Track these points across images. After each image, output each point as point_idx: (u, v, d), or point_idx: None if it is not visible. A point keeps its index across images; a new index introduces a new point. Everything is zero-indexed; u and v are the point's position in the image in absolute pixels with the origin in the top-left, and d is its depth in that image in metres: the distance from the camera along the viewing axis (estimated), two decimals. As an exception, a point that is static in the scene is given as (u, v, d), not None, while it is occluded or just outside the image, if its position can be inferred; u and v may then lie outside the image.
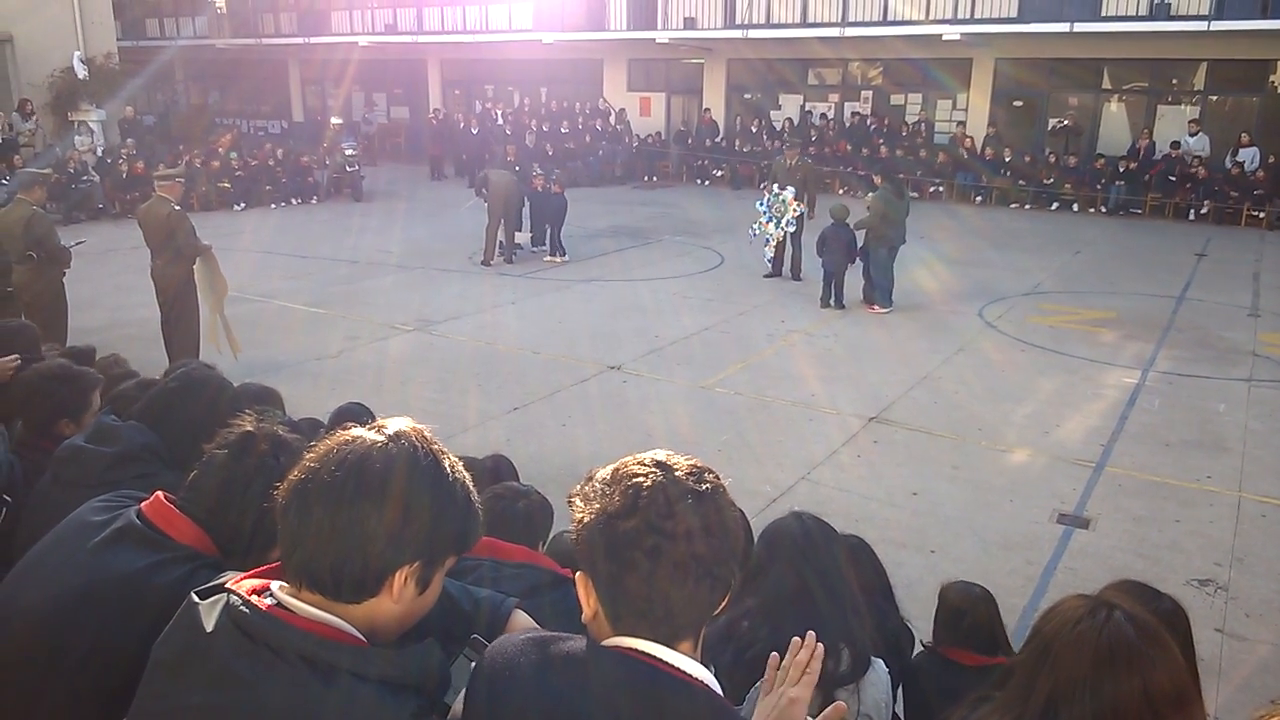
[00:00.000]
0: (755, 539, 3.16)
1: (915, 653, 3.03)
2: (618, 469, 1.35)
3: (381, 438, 1.36)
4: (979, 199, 19.40)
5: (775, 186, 12.23)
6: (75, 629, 1.60)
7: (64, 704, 1.60)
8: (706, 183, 22.19)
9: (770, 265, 12.46)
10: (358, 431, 1.38)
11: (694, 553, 1.27)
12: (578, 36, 23.38)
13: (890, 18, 19.68)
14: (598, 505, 1.32)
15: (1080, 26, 17.59)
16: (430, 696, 1.36)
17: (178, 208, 7.84)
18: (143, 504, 1.75)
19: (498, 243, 13.21)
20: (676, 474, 1.33)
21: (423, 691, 1.35)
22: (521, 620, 1.88)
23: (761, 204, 12.35)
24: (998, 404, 7.75)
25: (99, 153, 19.25)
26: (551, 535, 3.41)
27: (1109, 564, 5.24)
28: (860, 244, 10.85)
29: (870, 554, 3.11)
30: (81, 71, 20.38)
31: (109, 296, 10.46)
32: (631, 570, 1.27)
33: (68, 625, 1.61)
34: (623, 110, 24.31)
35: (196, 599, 1.38)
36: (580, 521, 1.34)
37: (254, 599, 1.33)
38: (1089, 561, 5.32)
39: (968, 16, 18.86)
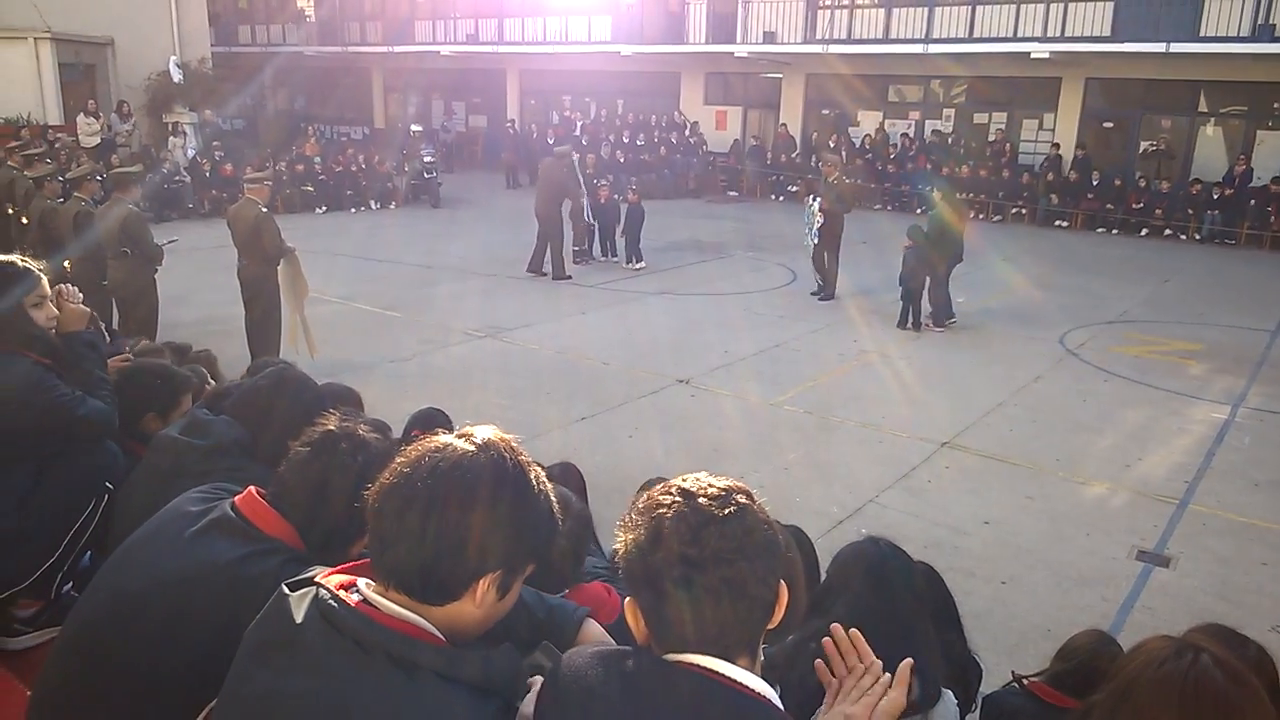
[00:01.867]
0: (819, 558, 3.10)
1: (1004, 685, 2.94)
2: (646, 499, 1.37)
3: (472, 447, 1.39)
4: (1063, 223, 18.90)
5: (810, 199, 12.30)
6: (171, 613, 1.65)
7: (155, 684, 1.64)
8: (781, 198, 22.07)
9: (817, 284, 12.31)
10: (448, 439, 1.41)
11: (724, 577, 1.28)
12: (656, 49, 23.49)
13: (977, 34, 19.34)
14: (630, 536, 1.35)
15: (1177, 47, 16.99)
16: (507, 700, 1.38)
17: (265, 210, 8.07)
18: (236, 497, 1.80)
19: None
20: (699, 501, 1.33)
21: (501, 694, 1.36)
22: (592, 629, 1.90)
23: (806, 217, 12.44)
24: (1077, 434, 7.52)
25: (190, 154, 19.94)
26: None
27: (1189, 606, 5.02)
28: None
29: (940, 582, 3.04)
30: (177, 75, 21.18)
31: (197, 294, 10.80)
32: (667, 599, 1.30)
33: (164, 609, 1.66)
34: (696, 124, 24.33)
35: (287, 590, 1.42)
36: (620, 551, 1.37)
37: (342, 594, 1.37)
38: (1168, 602, 5.11)
39: (1058, 35, 18.45)
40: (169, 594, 1.68)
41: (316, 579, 1.42)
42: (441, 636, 1.36)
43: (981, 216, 19.66)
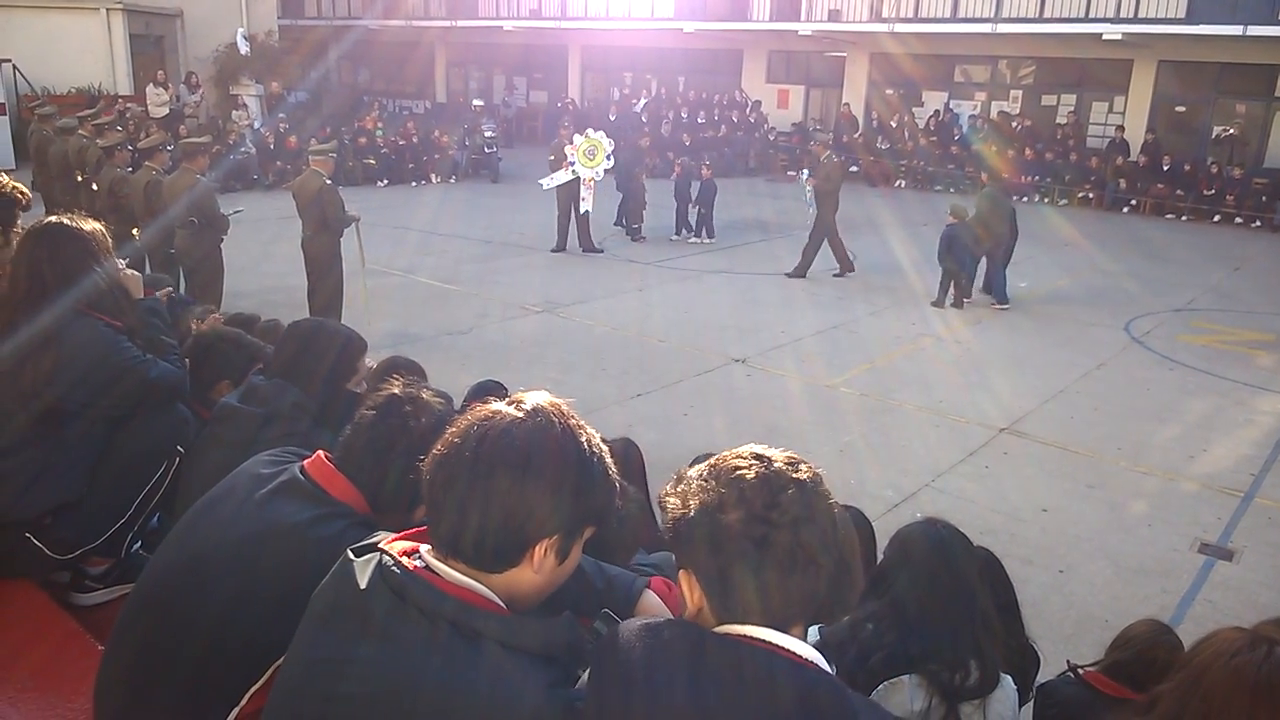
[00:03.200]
0: (876, 540, 3.07)
1: (1060, 673, 2.90)
2: (716, 463, 1.35)
3: (521, 413, 1.39)
4: (1131, 207, 18.37)
5: (803, 172, 12.26)
6: (239, 574, 1.68)
7: (223, 644, 1.68)
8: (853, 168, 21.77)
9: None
10: (497, 406, 1.41)
11: (799, 540, 1.27)
12: (719, 26, 23.27)
13: (1047, 14, 18.82)
14: (698, 500, 1.31)
15: (1254, 29, 16.38)
16: (567, 669, 1.38)
17: (329, 182, 8.18)
18: (305, 461, 1.83)
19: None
20: (776, 465, 1.32)
21: (561, 663, 1.37)
22: (650, 600, 1.88)
23: (805, 194, 12.42)
24: (1140, 423, 7.34)
25: (256, 126, 20.29)
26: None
27: (1253, 600, 4.90)
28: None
29: (999, 568, 3.00)
30: (244, 48, 21.50)
31: (261, 263, 11.01)
32: (740, 561, 1.27)
33: (233, 570, 1.70)
34: (759, 102, 24.08)
35: (352, 556, 1.44)
36: (678, 518, 1.33)
37: (405, 560, 1.38)
38: (1230, 595, 4.99)
39: (1131, 16, 17.89)
40: (239, 555, 1.72)
41: (380, 545, 1.43)
42: (503, 604, 1.37)
43: (1047, 200, 19.23)
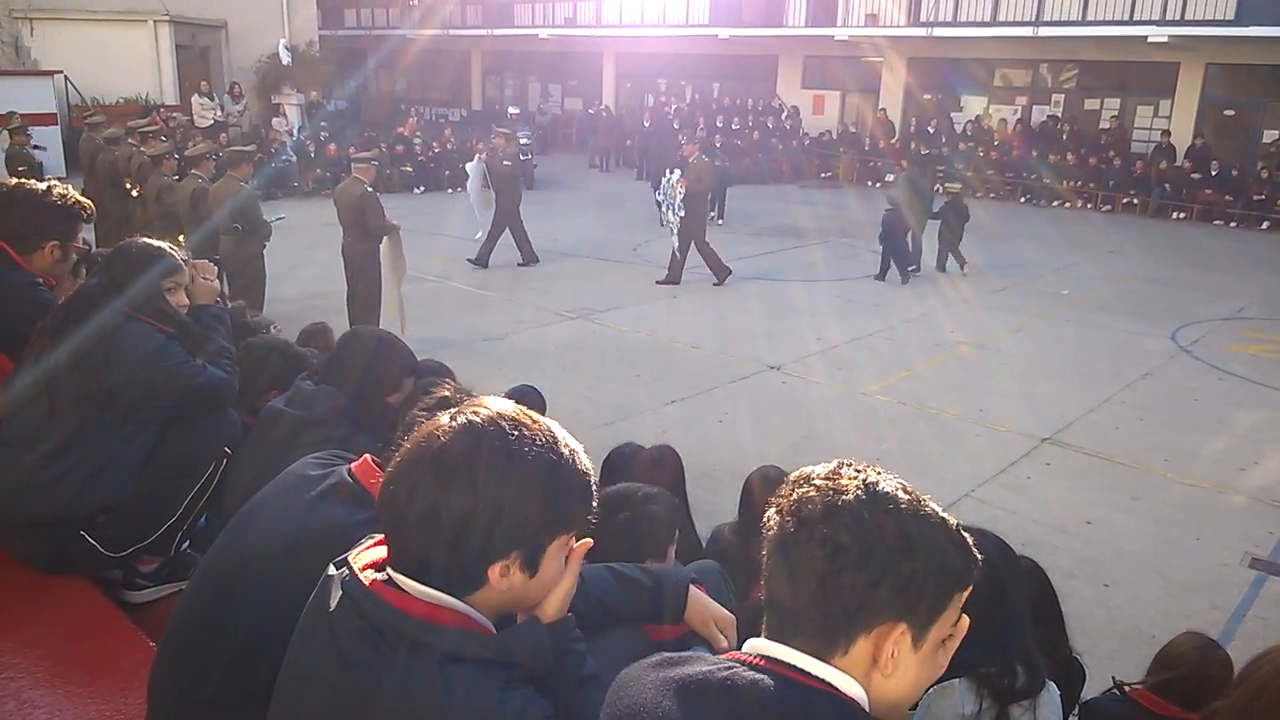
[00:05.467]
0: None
1: (1104, 690, 2.84)
2: (823, 470, 1.27)
3: (447, 424, 1.31)
4: (1180, 214, 18.06)
5: (667, 172, 11.87)
6: (288, 573, 1.70)
7: (271, 642, 1.70)
8: (877, 185, 21.62)
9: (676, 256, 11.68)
10: (440, 419, 1.33)
11: (838, 540, 1.17)
12: (754, 32, 23.25)
13: (1090, 17, 18.57)
14: (776, 498, 1.27)
15: (1307, 31, 16.08)
16: (533, 675, 1.34)
17: (370, 189, 8.28)
18: (352, 464, 1.85)
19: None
20: (850, 479, 1.23)
21: (529, 672, 1.32)
22: (698, 596, 1.87)
23: (660, 193, 12.01)
24: (1188, 435, 7.20)
25: (296, 134, 20.59)
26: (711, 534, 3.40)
27: (1308, 618, 4.78)
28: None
29: (1044, 579, 2.95)
30: (286, 58, 21.85)
31: (302, 269, 11.14)
32: (770, 556, 1.23)
33: (282, 570, 1.72)
34: (795, 108, 24.00)
35: (332, 569, 1.40)
36: (772, 513, 1.27)
37: (366, 574, 1.33)
38: (1284, 612, 4.87)
39: (1177, 17, 17.57)
40: (287, 555, 1.74)
41: (350, 556, 1.39)
42: (470, 615, 1.31)
43: (1090, 205, 18.97)
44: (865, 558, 1.17)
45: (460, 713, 1.23)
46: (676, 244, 11.64)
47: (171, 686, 1.84)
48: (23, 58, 19.35)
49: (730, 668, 1.21)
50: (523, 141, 20.92)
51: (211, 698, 1.77)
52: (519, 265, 12.24)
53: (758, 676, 1.19)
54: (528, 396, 3.83)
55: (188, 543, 2.85)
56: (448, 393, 1.88)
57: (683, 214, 11.52)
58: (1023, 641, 2.25)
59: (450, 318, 9.85)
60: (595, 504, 1.39)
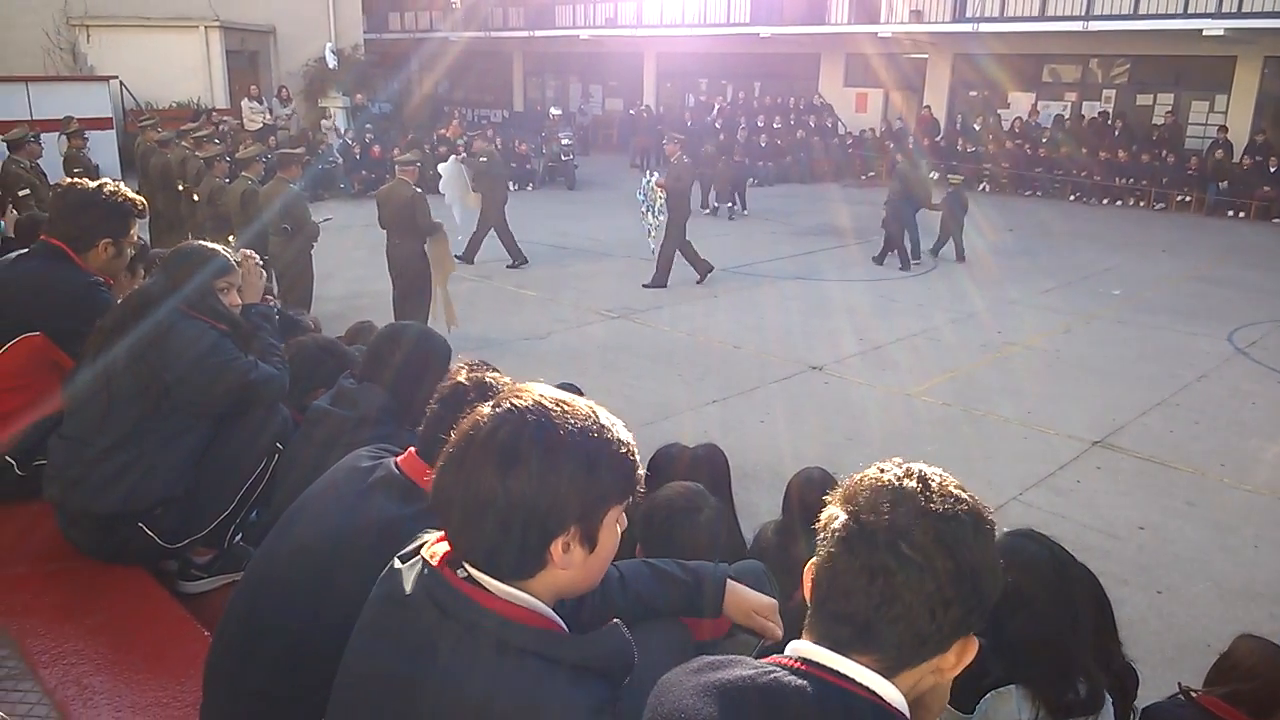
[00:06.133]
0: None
1: (1169, 696, 2.78)
2: (880, 469, 1.26)
3: (490, 411, 1.34)
4: (1238, 213, 17.61)
5: (647, 173, 11.74)
6: (338, 565, 1.73)
7: (323, 632, 1.73)
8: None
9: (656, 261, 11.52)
10: (482, 409, 1.36)
11: (885, 564, 1.16)
12: (796, 30, 23.10)
13: (1142, 10, 18.19)
14: (847, 494, 1.25)
15: (1371, 22, 15.61)
16: (616, 681, 1.35)
17: (418, 190, 8.37)
18: (399, 457, 1.87)
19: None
20: (914, 483, 1.21)
21: (609, 676, 1.33)
22: (736, 588, 1.88)
23: (640, 193, 11.86)
24: (1246, 439, 7.02)
25: (342, 136, 20.88)
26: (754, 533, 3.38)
27: (1373, 628, 4.64)
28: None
29: (1099, 587, 2.89)
30: (332, 62, 22.16)
31: (347, 269, 11.29)
32: (826, 558, 1.22)
33: (332, 561, 1.75)
34: (830, 106, 23.81)
35: (399, 563, 1.42)
36: (828, 507, 1.27)
37: (445, 571, 1.35)
38: (1347, 622, 4.73)
39: (1234, 10, 17.13)
40: (338, 547, 1.77)
41: (422, 551, 1.41)
42: (549, 615, 1.34)
43: (1143, 203, 18.60)
44: (960, 590, 1.17)
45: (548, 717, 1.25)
46: (653, 246, 11.65)
47: (227, 676, 1.88)
48: (80, 64, 19.85)
49: (771, 672, 1.21)
50: (564, 142, 21.07)
51: (266, 687, 1.81)
52: (508, 268, 12.18)
53: (800, 681, 1.19)
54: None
55: (240, 535, 2.91)
56: (463, 378, 1.88)
57: (664, 215, 11.54)
58: (1085, 655, 2.23)
59: (491, 317, 9.92)
60: (641, 473, 1.40)
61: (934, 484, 1.22)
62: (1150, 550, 5.38)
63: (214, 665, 1.91)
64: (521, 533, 1.29)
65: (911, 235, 12.84)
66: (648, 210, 11.85)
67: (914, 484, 1.21)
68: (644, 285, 11.42)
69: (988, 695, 2.16)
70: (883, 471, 1.24)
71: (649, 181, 11.78)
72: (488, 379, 1.89)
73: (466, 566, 1.35)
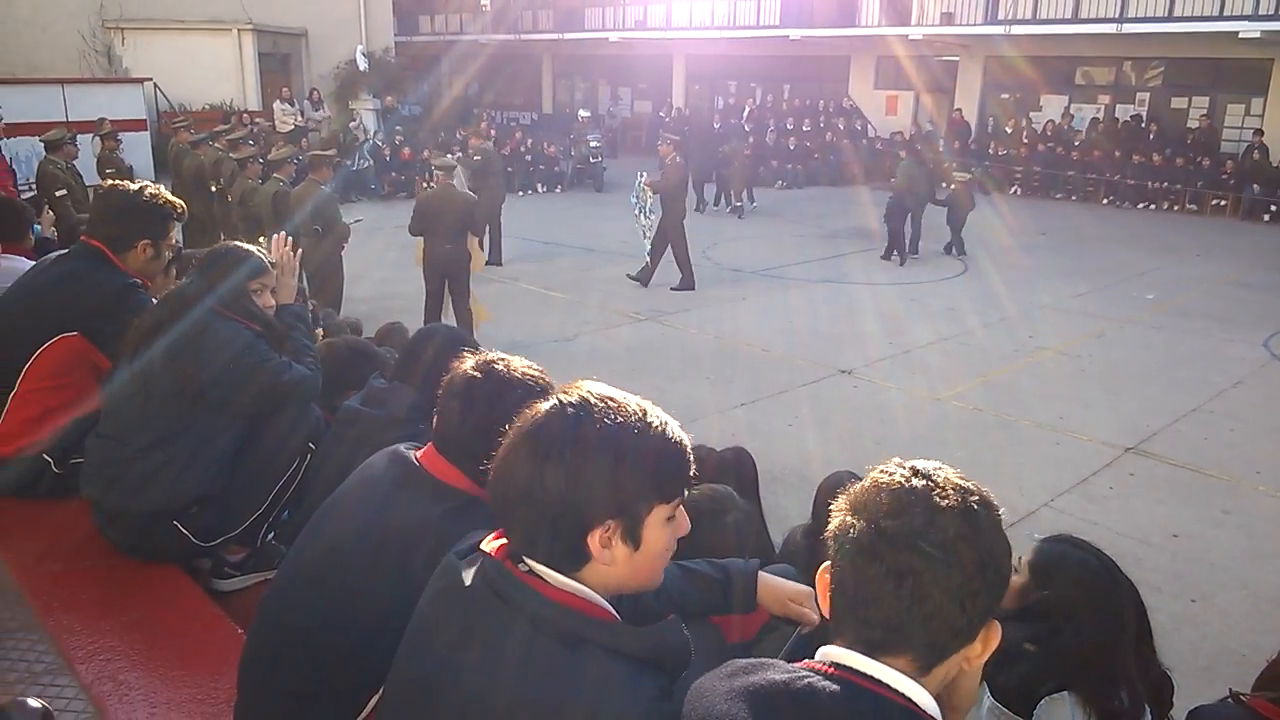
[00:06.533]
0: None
1: (1220, 699, 2.75)
2: (883, 472, 1.27)
3: (540, 408, 1.37)
4: (1272, 215, 17.30)
5: (638, 174, 11.74)
6: (369, 563, 1.75)
7: (356, 630, 1.75)
8: (951, 186, 21.17)
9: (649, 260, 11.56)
10: (539, 403, 1.39)
11: (911, 564, 1.18)
12: (826, 33, 23.00)
13: (1177, 13, 17.95)
14: (845, 501, 1.27)
15: None
16: (672, 674, 1.36)
17: (470, 193, 8.45)
18: (418, 453, 1.88)
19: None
20: (927, 483, 1.23)
21: (667, 669, 1.35)
22: (768, 579, 1.90)
23: (633, 195, 11.87)
24: (1282, 446, 6.91)
25: (372, 139, 21.04)
26: (784, 537, 3.37)
27: None
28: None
29: (1138, 595, 2.87)
30: (363, 64, 22.33)
31: (376, 270, 11.37)
32: (849, 564, 1.22)
33: (363, 559, 1.77)
34: (857, 108, 23.67)
35: (455, 559, 1.44)
36: (836, 515, 1.28)
37: (507, 564, 1.37)
38: (1387, 635, 4.63)
39: (1271, 12, 16.87)
40: (368, 546, 1.78)
41: (481, 546, 1.43)
42: (608, 607, 1.35)
43: (1177, 207, 18.36)
44: (985, 579, 1.20)
45: (610, 713, 1.26)
46: (649, 247, 11.64)
47: (260, 675, 1.90)
48: (115, 66, 20.15)
49: (804, 677, 1.21)
50: (592, 144, 21.11)
51: (298, 686, 1.82)
52: (486, 264, 12.19)
53: (833, 687, 1.19)
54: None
55: (272, 534, 2.94)
56: (470, 367, 1.85)
57: (655, 215, 11.52)
58: (1129, 664, 2.24)
59: (519, 318, 9.95)
60: (694, 473, 1.41)
61: (940, 479, 1.23)
62: (1184, 558, 5.31)
63: (247, 664, 1.93)
64: (555, 524, 1.31)
65: (913, 231, 13.23)
66: (640, 212, 11.86)
67: (922, 482, 1.23)
68: (672, 289, 11.39)
69: (1042, 701, 2.18)
70: (889, 475, 1.25)
71: (640, 183, 11.81)
72: (488, 362, 1.87)
73: (526, 559, 1.37)
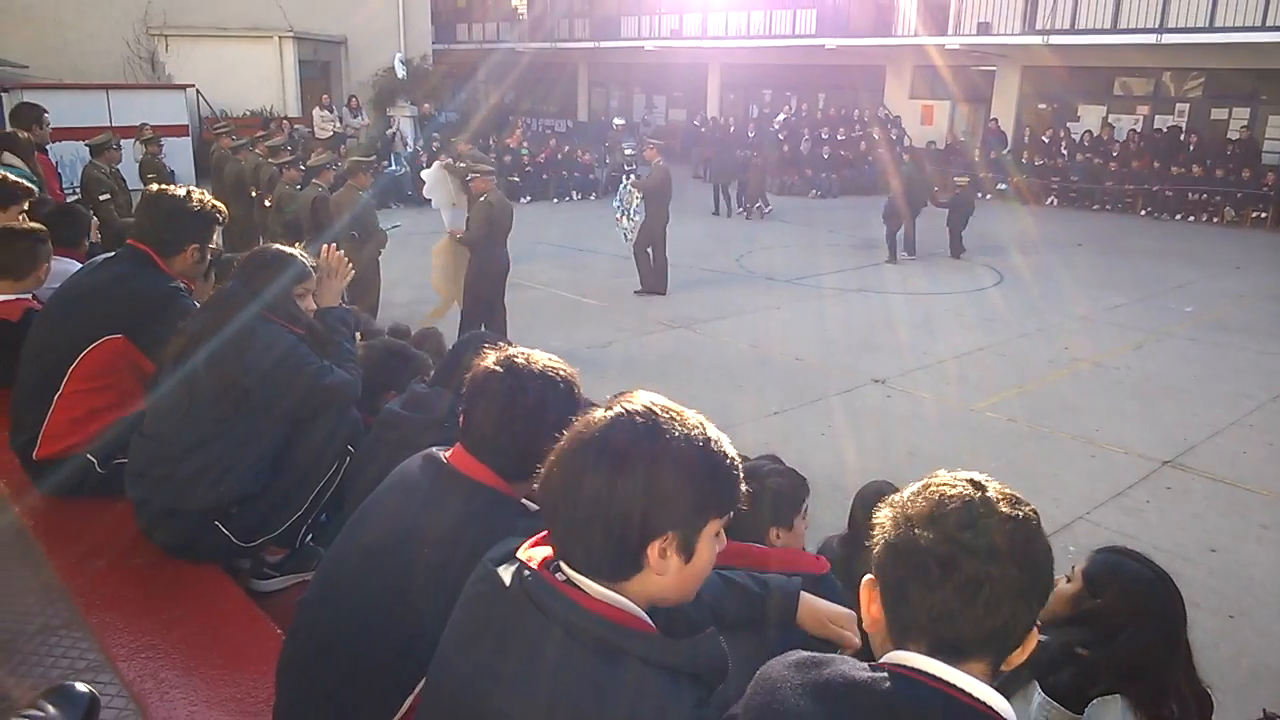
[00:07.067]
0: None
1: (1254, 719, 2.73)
2: (930, 480, 1.31)
3: (603, 413, 1.37)
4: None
5: (623, 178, 11.70)
6: (406, 565, 1.77)
7: (391, 632, 1.77)
8: (988, 196, 21.01)
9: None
10: (594, 413, 1.39)
11: (989, 574, 1.20)
12: (862, 42, 22.92)
13: (1218, 23, 17.69)
14: (900, 511, 1.29)
15: None
16: (711, 686, 1.37)
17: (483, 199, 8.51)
18: (448, 454, 1.89)
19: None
20: (989, 494, 1.27)
21: (704, 681, 1.35)
22: (810, 600, 1.90)
23: (616, 199, 11.80)
24: (1325, 462, 6.78)
25: (410, 145, 21.24)
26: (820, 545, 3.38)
27: None
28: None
29: (1184, 608, 2.84)
30: (401, 71, 22.56)
31: (412, 275, 11.45)
32: (920, 577, 1.23)
33: (399, 561, 1.78)
34: (898, 118, 23.54)
35: (491, 565, 1.44)
36: (881, 526, 1.30)
37: (544, 573, 1.37)
38: None
39: (1315, 21, 16.61)
40: (403, 549, 1.80)
41: (518, 553, 1.43)
42: (647, 620, 1.35)
43: (1215, 219, 18.08)
44: (1042, 586, 1.26)
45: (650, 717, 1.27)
46: (631, 244, 11.66)
47: (298, 676, 1.92)
48: (158, 73, 20.51)
49: (884, 677, 1.23)
50: (627, 152, 21.16)
51: (335, 688, 1.84)
52: (636, 292, 12.21)
53: (916, 690, 1.21)
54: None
55: (311, 536, 2.97)
56: (491, 363, 1.85)
57: (639, 218, 11.52)
58: (1179, 675, 2.26)
59: (553, 326, 9.99)
60: (744, 489, 1.42)
61: (996, 491, 1.28)
62: (1222, 574, 5.23)
63: (285, 665, 1.96)
64: (622, 532, 1.31)
65: (907, 231, 14.02)
66: (623, 215, 11.87)
67: (985, 494, 1.27)
68: (636, 292, 11.50)
69: (1094, 701, 2.21)
70: (950, 487, 1.28)
71: (625, 185, 11.88)
72: (518, 360, 1.87)
73: (564, 568, 1.38)
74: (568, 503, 1.34)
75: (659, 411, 1.36)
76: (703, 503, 1.35)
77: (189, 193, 3.24)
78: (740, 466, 1.40)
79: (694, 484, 1.33)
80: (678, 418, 1.37)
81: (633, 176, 12.03)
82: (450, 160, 12.59)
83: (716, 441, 1.38)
